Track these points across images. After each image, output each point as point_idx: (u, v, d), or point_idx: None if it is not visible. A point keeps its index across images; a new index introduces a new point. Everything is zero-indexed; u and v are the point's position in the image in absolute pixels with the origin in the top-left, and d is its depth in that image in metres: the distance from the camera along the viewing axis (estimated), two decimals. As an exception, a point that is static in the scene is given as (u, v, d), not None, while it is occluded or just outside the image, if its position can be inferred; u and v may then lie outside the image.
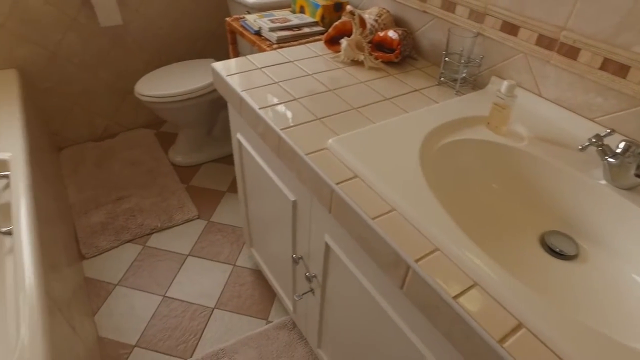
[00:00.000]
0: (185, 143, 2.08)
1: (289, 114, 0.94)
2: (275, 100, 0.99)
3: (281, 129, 0.89)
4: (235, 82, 1.06)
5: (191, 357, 1.36)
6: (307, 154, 0.82)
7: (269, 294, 1.54)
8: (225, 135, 2.20)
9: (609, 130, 0.75)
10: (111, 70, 2.15)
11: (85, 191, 1.93)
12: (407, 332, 0.73)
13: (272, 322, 1.46)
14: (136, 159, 2.13)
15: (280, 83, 1.07)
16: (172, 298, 1.52)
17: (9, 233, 1.18)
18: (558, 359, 0.51)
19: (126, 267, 1.63)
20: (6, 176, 1.32)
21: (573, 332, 0.53)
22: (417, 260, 0.63)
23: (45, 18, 1.86)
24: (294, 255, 1.08)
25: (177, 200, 1.89)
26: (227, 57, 2.45)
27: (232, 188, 1.99)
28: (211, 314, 1.48)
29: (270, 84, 1.06)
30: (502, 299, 0.58)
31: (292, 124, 0.91)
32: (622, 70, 0.80)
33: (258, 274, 1.61)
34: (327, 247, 0.91)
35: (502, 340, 0.53)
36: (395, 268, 0.66)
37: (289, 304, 1.33)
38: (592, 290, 0.70)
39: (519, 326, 0.55)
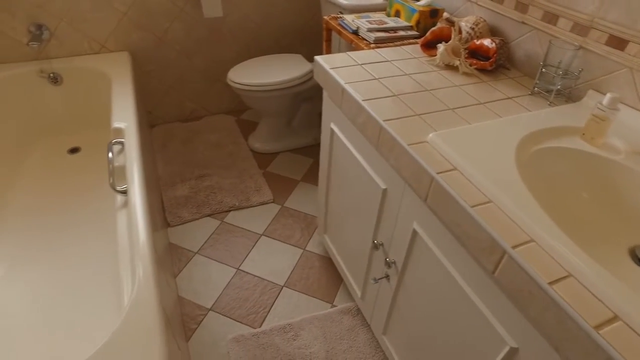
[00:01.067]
0: (265, 131, 2.22)
1: (390, 108, 1.02)
2: (377, 95, 1.07)
3: (383, 120, 0.97)
4: (338, 75, 1.15)
5: (260, 327, 1.46)
6: (409, 145, 0.89)
7: (335, 280, 1.62)
8: (304, 127, 2.31)
9: None
10: (205, 58, 2.33)
11: (172, 166, 2.11)
12: (489, 317, 0.78)
13: (336, 306, 1.53)
14: (218, 142, 2.29)
15: (380, 79, 1.15)
16: (245, 272, 1.64)
17: (123, 192, 1.34)
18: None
19: (205, 238, 1.77)
20: (121, 142, 1.50)
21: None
22: (514, 247, 0.67)
23: (159, 8, 2.06)
24: (375, 241, 1.15)
25: (254, 183, 2.02)
26: (312, 54, 2.56)
27: (306, 178, 2.09)
28: (280, 291, 1.58)
29: (370, 80, 1.14)
30: (597, 291, 0.61)
31: (393, 117, 0.98)
32: None
33: (326, 260, 1.69)
34: (414, 234, 0.97)
35: (598, 327, 0.57)
36: (489, 254, 0.72)
37: (357, 291, 1.40)
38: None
39: (615, 318, 0.59)
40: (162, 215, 1.81)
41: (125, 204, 1.37)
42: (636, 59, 0.95)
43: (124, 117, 1.59)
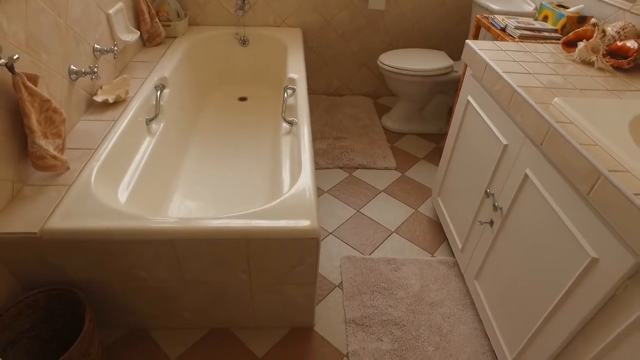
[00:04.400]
0: (399, 113, 2.52)
1: (524, 80, 1.25)
2: (514, 70, 1.31)
3: (518, 86, 1.20)
4: (484, 54, 1.41)
5: (369, 255, 1.76)
6: (536, 103, 1.12)
7: (439, 239, 1.85)
8: (433, 117, 2.57)
9: None
10: (359, 44, 2.71)
11: (315, 125, 2.52)
12: (576, 233, 0.97)
13: (436, 257, 1.77)
14: (355, 115, 2.65)
15: (518, 62, 1.38)
16: (364, 215, 1.96)
17: (290, 122, 1.74)
18: None
19: (334, 183, 2.12)
20: (293, 89, 1.91)
21: None
22: (609, 171, 0.88)
23: (335, -3, 2.50)
24: (487, 190, 1.38)
25: (382, 151, 2.34)
26: (454, 53, 2.80)
27: (427, 158, 2.35)
28: (390, 234, 1.86)
29: (510, 61, 1.38)
30: None
31: (525, 85, 1.21)
32: None
33: (434, 223, 1.93)
34: (525, 179, 1.19)
35: None
36: (587, 179, 0.92)
37: (458, 243, 1.62)
38: None
39: None
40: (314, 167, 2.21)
41: (290, 132, 1.77)
42: None
43: (296, 71, 2.01)
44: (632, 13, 1.50)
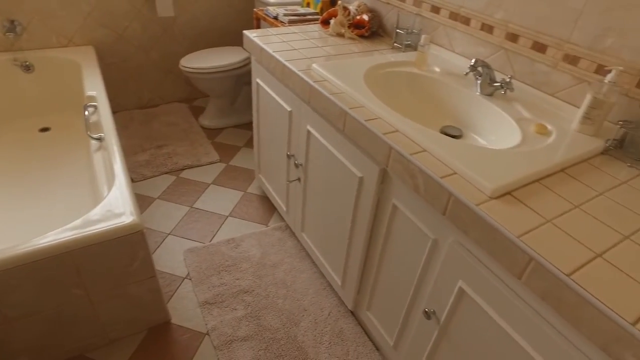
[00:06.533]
0: (213, 110, 2.65)
1: (290, 55, 1.50)
2: (283, 49, 1.55)
3: (285, 60, 1.44)
4: (259, 40, 1.62)
5: (210, 242, 1.86)
6: (299, 70, 1.37)
7: (270, 210, 2.05)
8: (245, 107, 2.76)
9: (475, 60, 1.28)
10: (160, 52, 2.75)
11: (133, 140, 2.49)
12: (349, 166, 1.25)
13: (270, 226, 1.96)
14: (173, 122, 2.70)
15: (287, 42, 1.63)
16: (197, 208, 2.05)
17: (99, 139, 1.73)
18: (448, 168, 1.02)
19: (164, 188, 2.16)
20: (94, 106, 1.88)
21: (458, 151, 1.04)
22: (350, 108, 1.15)
23: (119, 9, 2.48)
24: (288, 153, 1.61)
25: (204, 149, 2.44)
26: (250, 51, 3.04)
27: (247, 144, 2.53)
28: (225, 219, 1.99)
29: (280, 42, 1.62)
30: (414, 138, 1.08)
31: (291, 59, 1.46)
32: (490, 29, 1.34)
33: (263, 198, 2.13)
34: (309, 134, 1.44)
35: (413, 154, 1.03)
36: (339, 117, 1.19)
37: (282, 206, 1.84)
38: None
39: (423, 150, 1.03)
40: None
41: (100, 148, 1.76)
42: (445, 19, 1.49)
43: (94, 88, 1.98)
44: (363, -8, 1.89)
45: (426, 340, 1.12)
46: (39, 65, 2.37)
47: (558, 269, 0.71)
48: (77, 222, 1.24)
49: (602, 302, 0.66)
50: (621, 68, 1.01)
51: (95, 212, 1.27)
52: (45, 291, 1.22)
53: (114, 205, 1.30)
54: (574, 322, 0.70)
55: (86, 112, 1.83)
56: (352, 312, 1.60)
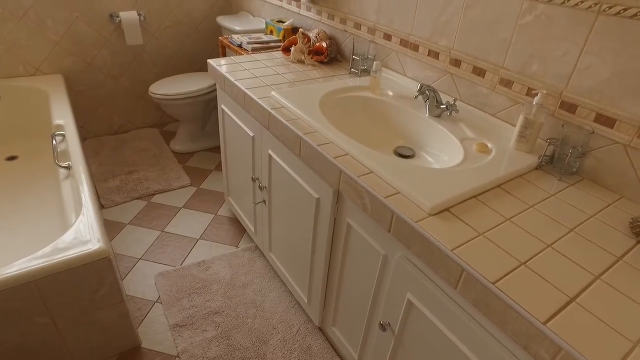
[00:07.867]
0: (184, 135, 2.69)
1: (251, 82, 1.57)
2: (245, 77, 1.62)
3: (246, 88, 1.51)
4: (221, 69, 1.70)
5: (181, 265, 1.89)
6: (259, 98, 1.44)
7: (240, 232, 2.10)
8: (216, 131, 2.82)
9: (420, 85, 1.37)
10: (130, 79, 2.80)
11: (104, 166, 2.51)
12: (307, 188, 1.31)
13: (240, 247, 2.01)
14: (144, 147, 2.73)
15: (249, 70, 1.70)
16: (169, 232, 2.07)
17: (67, 167, 1.76)
18: (392, 188, 1.10)
19: (135, 214, 2.18)
20: (62, 135, 1.91)
21: (403, 171, 1.12)
22: (304, 134, 1.22)
23: (88, 38, 2.52)
24: (253, 176, 1.66)
25: (175, 173, 2.48)
26: (220, 76, 3.11)
27: (217, 168, 2.58)
28: (196, 242, 2.03)
29: (242, 70, 1.70)
30: (363, 162, 1.15)
31: (252, 87, 1.53)
32: (436, 55, 1.45)
33: (233, 220, 2.17)
34: (270, 158, 1.50)
35: (360, 176, 1.11)
36: (295, 142, 1.26)
37: (251, 227, 1.89)
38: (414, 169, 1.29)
39: (370, 172, 1.11)
40: (97, 201, 2.20)
41: (68, 176, 1.78)
42: (397, 45, 1.59)
43: (62, 117, 2.01)
44: (322, 23, 1.99)
45: (384, 352, 1.18)
46: (6, 95, 2.38)
47: (485, 278, 0.79)
48: (46, 249, 1.26)
49: (520, 306, 0.73)
50: (545, 91, 1.11)
51: (63, 240, 1.30)
52: (6, 323, 1.23)
53: (81, 233, 1.34)
54: (500, 325, 0.77)
55: (54, 141, 1.86)
56: (319, 328, 1.64)
